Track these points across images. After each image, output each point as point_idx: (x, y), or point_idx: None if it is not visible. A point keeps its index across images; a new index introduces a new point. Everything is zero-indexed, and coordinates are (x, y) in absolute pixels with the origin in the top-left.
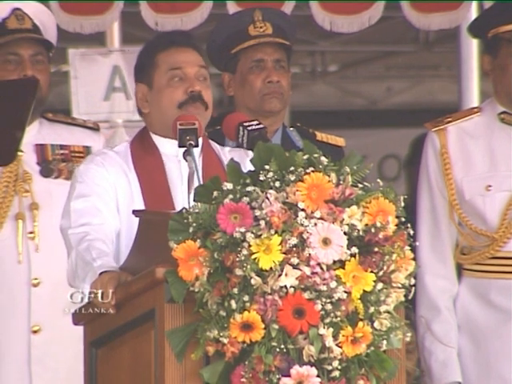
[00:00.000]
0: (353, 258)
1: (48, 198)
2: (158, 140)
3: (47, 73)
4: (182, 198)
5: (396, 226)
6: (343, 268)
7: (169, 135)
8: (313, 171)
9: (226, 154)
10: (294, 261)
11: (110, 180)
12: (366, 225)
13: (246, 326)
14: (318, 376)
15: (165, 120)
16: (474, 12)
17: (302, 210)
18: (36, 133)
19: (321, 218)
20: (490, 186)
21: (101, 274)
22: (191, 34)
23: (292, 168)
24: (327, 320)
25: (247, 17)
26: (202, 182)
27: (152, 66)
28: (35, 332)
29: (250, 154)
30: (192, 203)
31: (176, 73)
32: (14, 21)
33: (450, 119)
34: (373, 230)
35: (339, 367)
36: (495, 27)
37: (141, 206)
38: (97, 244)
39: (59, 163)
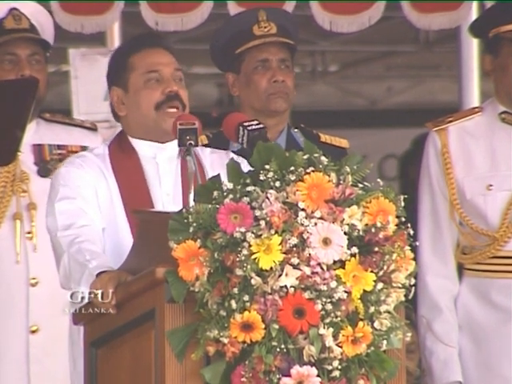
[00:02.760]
0: (353, 258)
1: (46, 198)
2: (135, 142)
3: (44, 73)
4: (160, 200)
5: (396, 225)
6: (343, 268)
7: (146, 137)
8: (313, 171)
9: (207, 156)
10: (295, 261)
11: (90, 182)
12: (366, 225)
13: (247, 326)
14: (318, 376)
15: (142, 121)
16: (474, 12)
17: (302, 209)
18: (33, 133)
19: (321, 218)
20: (491, 185)
21: (99, 274)
22: (161, 35)
23: (292, 168)
24: (327, 320)
25: (251, 17)
26: (180, 185)
27: (126, 68)
28: (33, 332)
29: (232, 155)
30: (192, 203)
31: (153, 75)
32: (11, 21)
33: (451, 119)
34: (373, 230)
35: (339, 367)
36: (496, 27)
37: (120, 207)
38: (87, 246)
39: (57, 163)
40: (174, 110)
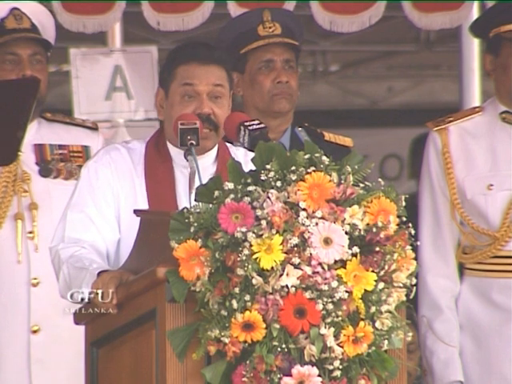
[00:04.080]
0: (354, 258)
1: (47, 198)
2: (170, 148)
3: (45, 72)
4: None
5: (397, 225)
6: (344, 267)
7: (177, 147)
8: (314, 171)
9: (241, 157)
10: (296, 260)
11: (114, 184)
12: (368, 224)
13: (248, 326)
14: (319, 376)
15: (172, 134)
16: (475, 12)
17: (304, 209)
18: (34, 133)
19: (322, 218)
20: (491, 185)
21: (100, 273)
22: (215, 46)
23: (293, 167)
24: (328, 320)
25: (256, 17)
26: None
27: (171, 76)
28: (35, 332)
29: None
30: (193, 203)
31: (187, 89)
32: (13, 20)
33: (451, 119)
34: (374, 230)
35: (340, 367)
36: (497, 27)
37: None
38: (87, 255)
39: (58, 163)
40: (202, 133)
